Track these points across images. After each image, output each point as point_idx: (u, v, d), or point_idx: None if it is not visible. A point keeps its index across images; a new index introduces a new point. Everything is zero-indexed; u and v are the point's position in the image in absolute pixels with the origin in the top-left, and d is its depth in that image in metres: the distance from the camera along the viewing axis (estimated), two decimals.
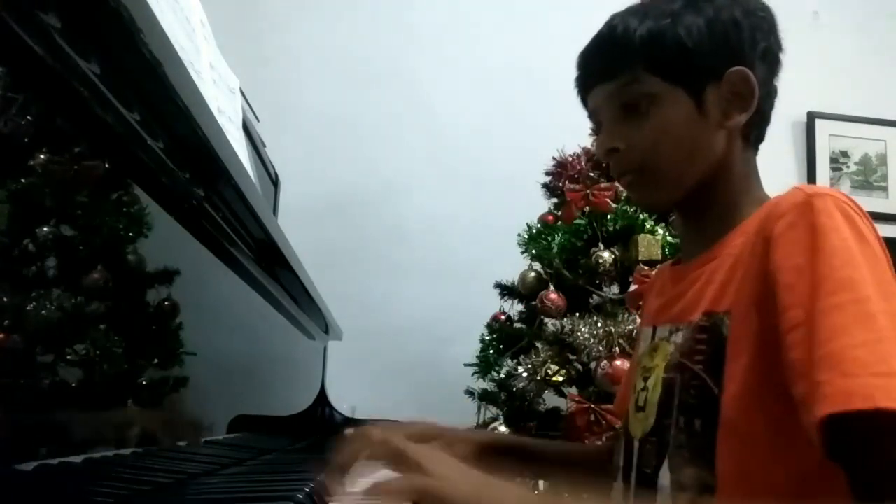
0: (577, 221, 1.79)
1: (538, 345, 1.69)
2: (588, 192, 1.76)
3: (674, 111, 0.73)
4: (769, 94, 0.77)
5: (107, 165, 0.53)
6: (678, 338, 0.73)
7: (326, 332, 1.56)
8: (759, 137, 0.79)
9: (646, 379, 0.77)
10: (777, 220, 0.63)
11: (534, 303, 1.80)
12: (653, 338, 0.79)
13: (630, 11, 0.76)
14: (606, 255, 1.72)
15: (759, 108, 0.74)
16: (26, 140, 0.43)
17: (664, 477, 0.70)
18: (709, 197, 0.76)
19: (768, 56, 0.76)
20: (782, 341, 0.60)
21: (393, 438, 0.61)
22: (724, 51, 0.73)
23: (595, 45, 0.77)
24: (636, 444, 0.77)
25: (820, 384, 0.55)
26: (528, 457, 0.94)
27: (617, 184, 1.82)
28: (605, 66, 0.76)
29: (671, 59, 0.72)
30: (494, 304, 1.95)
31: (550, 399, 1.76)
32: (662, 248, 1.70)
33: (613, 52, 0.75)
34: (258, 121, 1.59)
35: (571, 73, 0.82)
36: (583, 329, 1.62)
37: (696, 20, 0.72)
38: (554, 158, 1.93)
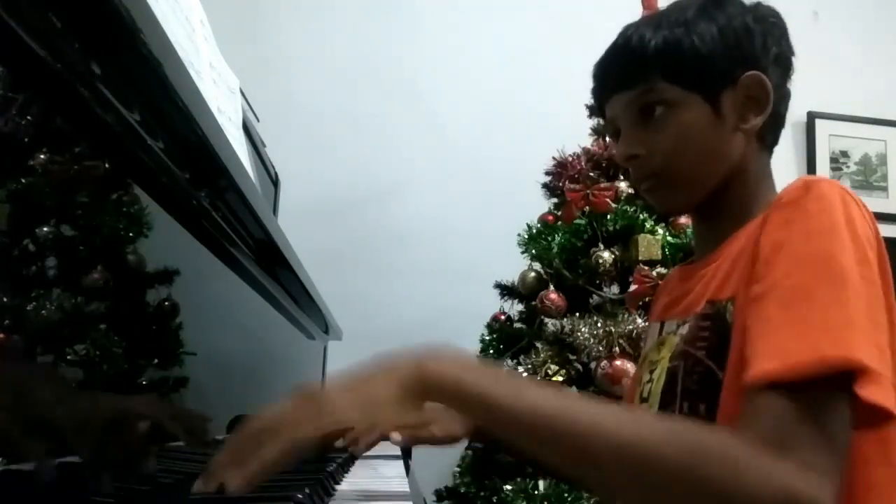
0: (577, 221, 1.79)
1: (538, 345, 1.69)
2: (588, 192, 1.76)
3: (691, 116, 0.74)
4: (783, 97, 0.78)
5: (107, 165, 0.53)
6: (684, 329, 0.74)
7: (326, 332, 1.56)
8: (774, 140, 0.80)
9: (651, 371, 0.78)
10: (774, 204, 0.65)
11: (534, 303, 1.80)
12: (660, 333, 0.80)
13: (643, 22, 0.77)
14: (606, 255, 1.73)
15: (773, 110, 0.75)
16: (26, 140, 0.43)
17: None
18: (725, 198, 0.77)
19: (781, 60, 0.77)
20: (747, 311, 0.60)
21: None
22: (737, 56, 0.74)
23: (611, 55, 0.79)
24: None
25: (770, 345, 0.56)
26: None
27: (617, 184, 1.82)
28: (622, 75, 0.77)
29: (687, 67, 0.74)
30: (494, 304, 1.95)
31: None
32: (662, 248, 1.70)
33: (630, 62, 0.76)
34: (258, 121, 1.59)
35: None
36: (583, 329, 1.62)
37: (709, 27, 0.74)
38: (554, 158, 1.93)
